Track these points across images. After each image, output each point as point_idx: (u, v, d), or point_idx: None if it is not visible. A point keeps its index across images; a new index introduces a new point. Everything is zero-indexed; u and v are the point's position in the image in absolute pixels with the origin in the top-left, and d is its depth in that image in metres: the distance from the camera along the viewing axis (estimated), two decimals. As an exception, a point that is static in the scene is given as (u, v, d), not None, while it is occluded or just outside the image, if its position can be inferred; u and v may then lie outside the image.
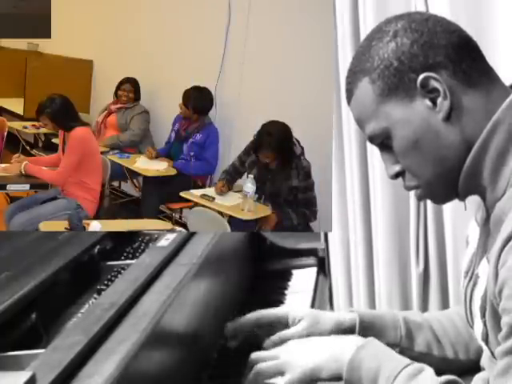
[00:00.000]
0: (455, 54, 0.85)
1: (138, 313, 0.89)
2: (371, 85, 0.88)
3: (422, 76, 0.85)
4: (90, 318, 0.85)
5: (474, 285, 0.92)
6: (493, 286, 0.80)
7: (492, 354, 0.89)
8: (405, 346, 1.09)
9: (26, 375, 0.64)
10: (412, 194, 2.24)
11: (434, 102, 0.85)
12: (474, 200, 0.95)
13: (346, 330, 1.08)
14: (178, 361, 0.97)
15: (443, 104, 0.85)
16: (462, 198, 0.92)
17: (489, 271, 0.81)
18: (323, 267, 1.70)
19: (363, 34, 2.23)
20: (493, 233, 0.86)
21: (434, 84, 0.84)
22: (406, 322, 1.11)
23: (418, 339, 1.10)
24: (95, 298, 1.08)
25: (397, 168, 0.92)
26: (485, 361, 0.99)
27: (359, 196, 2.37)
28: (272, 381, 0.98)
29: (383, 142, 0.91)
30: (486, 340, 0.89)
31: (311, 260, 1.71)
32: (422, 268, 2.27)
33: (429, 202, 2.22)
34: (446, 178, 0.89)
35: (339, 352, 0.94)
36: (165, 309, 0.90)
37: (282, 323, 1.10)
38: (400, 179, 0.95)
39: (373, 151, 2.29)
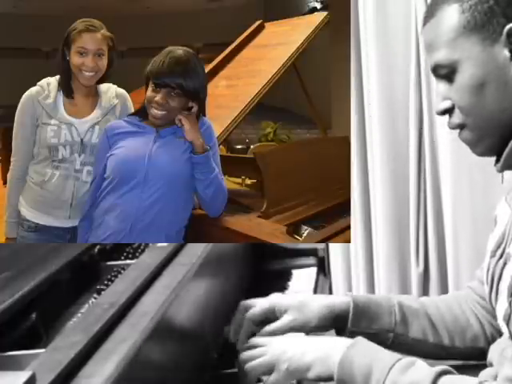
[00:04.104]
0: None
1: (138, 313, 0.89)
2: (458, 14, 0.86)
3: (511, 24, 0.83)
4: (89, 317, 0.85)
5: (505, 263, 0.91)
6: None
7: (511, 334, 0.88)
8: (399, 332, 1.07)
9: (25, 375, 0.64)
10: (412, 194, 2.24)
11: None
12: (506, 180, 0.93)
13: (338, 314, 1.05)
14: (178, 361, 0.97)
15: None
16: (501, 168, 0.90)
17: None
18: (323, 267, 1.69)
19: (363, 34, 2.24)
20: None
21: None
22: (401, 307, 1.09)
23: (413, 325, 1.08)
24: (95, 298, 1.08)
25: (448, 104, 0.90)
26: (493, 355, 0.98)
27: (359, 196, 2.38)
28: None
29: (446, 73, 0.89)
30: (507, 320, 0.88)
31: (311, 260, 1.71)
32: (422, 268, 2.27)
33: (429, 202, 2.22)
34: (496, 129, 0.87)
35: (327, 353, 0.92)
36: (165, 309, 0.90)
37: (272, 317, 1.06)
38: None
39: (373, 151, 2.29)
